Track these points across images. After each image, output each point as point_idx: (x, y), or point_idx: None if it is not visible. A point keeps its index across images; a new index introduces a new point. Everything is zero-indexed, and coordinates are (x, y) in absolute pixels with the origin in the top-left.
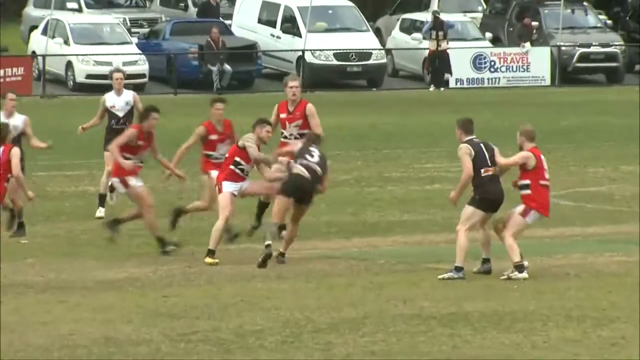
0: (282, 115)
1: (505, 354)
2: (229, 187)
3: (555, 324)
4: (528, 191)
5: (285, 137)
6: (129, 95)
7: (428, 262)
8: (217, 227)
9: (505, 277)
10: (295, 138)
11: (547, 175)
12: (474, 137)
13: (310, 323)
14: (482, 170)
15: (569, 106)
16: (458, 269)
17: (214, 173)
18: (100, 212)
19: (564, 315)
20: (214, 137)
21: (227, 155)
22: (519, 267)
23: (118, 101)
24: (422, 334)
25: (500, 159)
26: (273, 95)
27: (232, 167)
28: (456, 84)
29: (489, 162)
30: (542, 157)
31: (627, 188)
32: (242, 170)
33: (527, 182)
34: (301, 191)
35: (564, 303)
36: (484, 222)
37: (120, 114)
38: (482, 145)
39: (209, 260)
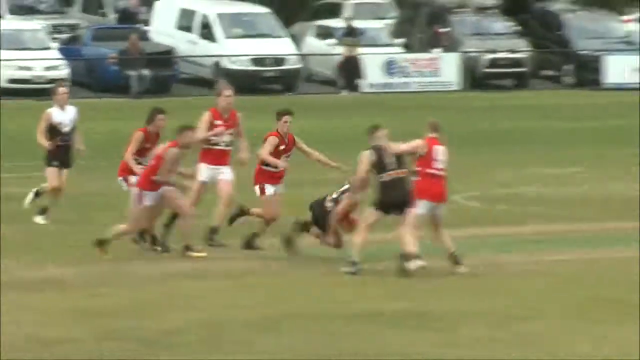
0: (218, 123)
1: (420, 352)
2: (150, 198)
3: (467, 322)
4: (418, 177)
5: (217, 144)
6: (72, 111)
7: (341, 262)
8: (122, 232)
9: (402, 269)
10: (227, 146)
11: (438, 165)
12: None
13: (232, 321)
14: (384, 175)
15: (478, 110)
16: (353, 264)
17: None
18: (40, 220)
19: (475, 313)
20: (282, 147)
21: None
22: (406, 256)
23: (64, 117)
24: (342, 332)
25: (394, 147)
26: (190, 100)
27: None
28: (368, 88)
29: (392, 165)
30: (438, 147)
31: (533, 190)
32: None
33: (418, 169)
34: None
35: (475, 302)
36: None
37: (66, 130)
38: (386, 149)
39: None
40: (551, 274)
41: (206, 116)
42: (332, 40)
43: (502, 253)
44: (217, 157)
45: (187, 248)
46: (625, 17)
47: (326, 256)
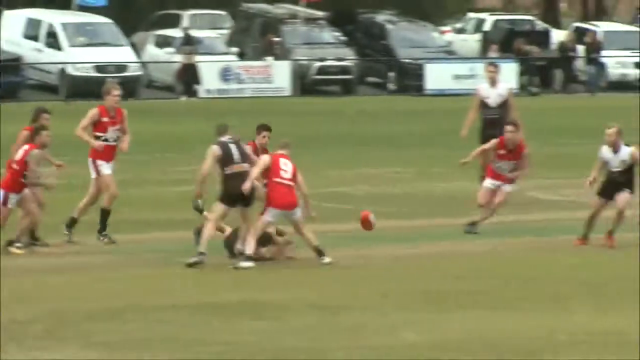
0: (105, 119)
1: (253, 341)
2: (12, 200)
3: (299, 312)
4: (266, 189)
5: (107, 140)
6: None
7: (184, 256)
8: None
9: (233, 267)
10: (114, 141)
11: (283, 175)
12: (228, 137)
13: (76, 313)
14: (227, 168)
15: (308, 114)
16: (200, 254)
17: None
18: None
19: (307, 304)
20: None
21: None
22: (247, 258)
23: None
24: (179, 322)
25: (248, 185)
26: (37, 104)
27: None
28: (205, 94)
29: (238, 160)
30: (281, 160)
31: (363, 189)
32: (25, 176)
33: (265, 180)
34: None
35: (307, 293)
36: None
37: None
38: (232, 145)
39: None
40: (378, 267)
41: (93, 112)
42: (171, 49)
43: (332, 248)
44: (105, 152)
45: (11, 243)
46: (443, 29)
47: (163, 252)
